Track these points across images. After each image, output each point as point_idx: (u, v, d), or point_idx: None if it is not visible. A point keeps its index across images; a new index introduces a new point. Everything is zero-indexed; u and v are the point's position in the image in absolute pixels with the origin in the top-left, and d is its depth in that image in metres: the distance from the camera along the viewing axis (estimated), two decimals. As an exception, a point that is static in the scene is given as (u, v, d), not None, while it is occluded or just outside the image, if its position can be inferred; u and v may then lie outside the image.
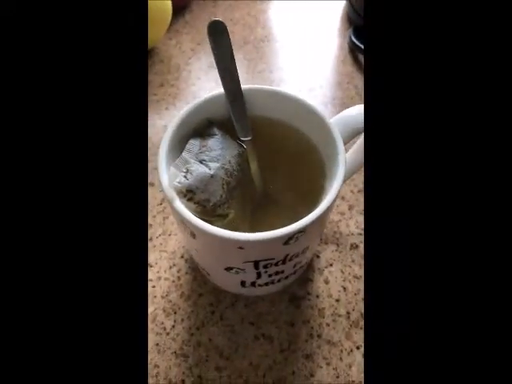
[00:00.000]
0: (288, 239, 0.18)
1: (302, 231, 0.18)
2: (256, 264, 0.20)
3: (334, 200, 0.18)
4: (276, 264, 0.20)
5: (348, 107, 0.22)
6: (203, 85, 0.38)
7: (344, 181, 0.20)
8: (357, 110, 0.21)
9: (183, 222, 0.18)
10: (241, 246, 0.18)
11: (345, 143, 0.21)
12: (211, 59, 0.40)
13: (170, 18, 0.41)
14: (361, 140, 0.22)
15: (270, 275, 0.22)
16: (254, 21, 0.44)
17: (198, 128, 0.22)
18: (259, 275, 0.21)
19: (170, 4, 0.40)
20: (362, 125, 0.21)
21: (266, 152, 0.23)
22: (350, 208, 0.30)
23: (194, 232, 0.19)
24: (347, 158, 0.21)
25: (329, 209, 0.18)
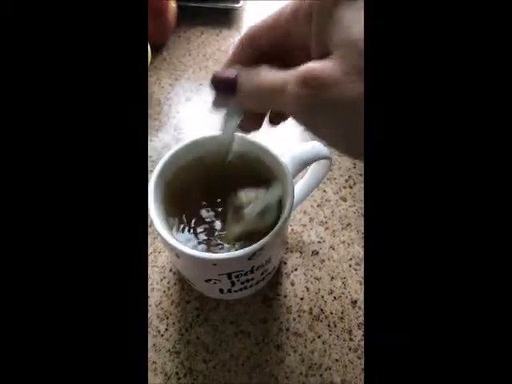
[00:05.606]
0: (251, 255, 0.23)
1: (261, 249, 0.23)
2: (229, 275, 0.25)
3: (283, 227, 0.24)
4: (245, 274, 0.26)
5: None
6: (183, 117, 0.43)
7: (294, 208, 0.25)
8: (309, 147, 0.27)
9: (169, 246, 0.24)
10: (214, 263, 0.23)
11: (296, 174, 0.27)
12: (188, 93, 0.45)
13: (150, 56, 0.46)
14: (308, 173, 0.28)
15: (242, 283, 0.27)
16: (224, 55, 0.49)
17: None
18: (233, 284, 0.27)
19: (148, 45, 0.45)
20: (310, 159, 0.26)
21: (240, 175, 0.28)
22: (311, 220, 0.36)
23: (178, 254, 0.24)
24: (298, 187, 0.26)
25: (278, 233, 0.24)
